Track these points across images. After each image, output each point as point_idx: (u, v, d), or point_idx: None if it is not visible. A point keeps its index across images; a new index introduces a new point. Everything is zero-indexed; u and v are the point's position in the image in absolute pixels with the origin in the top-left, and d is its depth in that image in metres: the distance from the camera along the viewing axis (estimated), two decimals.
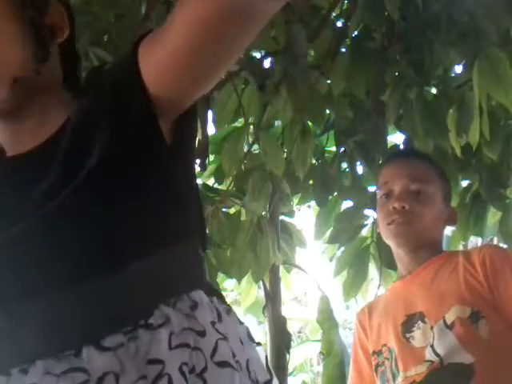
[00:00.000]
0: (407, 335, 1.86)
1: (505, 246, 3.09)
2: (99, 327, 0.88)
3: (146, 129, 0.95)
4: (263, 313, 3.01)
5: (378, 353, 1.95)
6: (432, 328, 1.81)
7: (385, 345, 1.92)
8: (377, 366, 1.95)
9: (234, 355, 0.92)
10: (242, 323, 1.01)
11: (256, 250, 2.56)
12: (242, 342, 0.97)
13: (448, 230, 2.73)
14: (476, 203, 2.84)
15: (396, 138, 2.94)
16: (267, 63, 2.58)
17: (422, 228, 1.92)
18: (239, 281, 2.74)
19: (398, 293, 1.97)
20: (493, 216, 2.94)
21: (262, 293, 3.04)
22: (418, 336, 1.83)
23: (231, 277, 2.72)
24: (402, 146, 2.73)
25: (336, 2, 2.47)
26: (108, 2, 2.06)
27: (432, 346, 1.79)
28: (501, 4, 2.23)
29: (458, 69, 2.61)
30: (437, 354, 1.78)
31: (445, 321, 1.80)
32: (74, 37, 1.11)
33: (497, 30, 2.20)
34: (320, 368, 6.74)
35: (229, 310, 1.00)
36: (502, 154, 2.56)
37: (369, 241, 2.77)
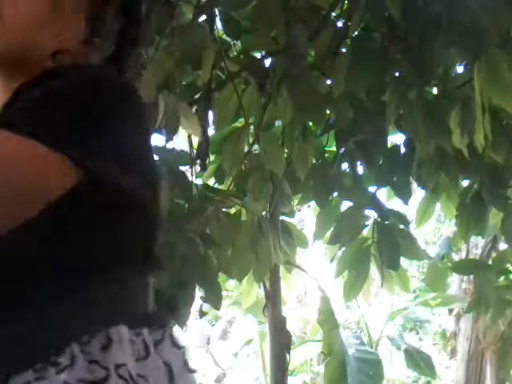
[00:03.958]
0: None
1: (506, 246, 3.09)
2: (12, 363, 0.82)
3: None
4: (263, 313, 3.01)
5: None
6: None
7: None
8: None
9: None
10: (180, 348, 0.92)
11: (256, 250, 2.56)
12: (171, 378, 0.88)
13: (449, 231, 2.72)
14: (477, 203, 2.84)
15: (396, 138, 2.94)
16: (267, 63, 2.58)
17: None
18: (240, 281, 2.74)
19: None
20: (493, 216, 2.94)
21: (262, 293, 3.03)
22: None
23: (232, 277, 2.72)
24: (402, 147, 2.73)
25: (336, 2, 2.47)
26: None
27: None
28: (502, 4, 2.23)
29: (459, 68, 2.61)
30: None
31: None
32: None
33: (498, 31, 2.19)
34: (320, 368, 6.73)
35: (160, 340, 0.90)
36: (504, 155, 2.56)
37: (370, 241, 2.77)
